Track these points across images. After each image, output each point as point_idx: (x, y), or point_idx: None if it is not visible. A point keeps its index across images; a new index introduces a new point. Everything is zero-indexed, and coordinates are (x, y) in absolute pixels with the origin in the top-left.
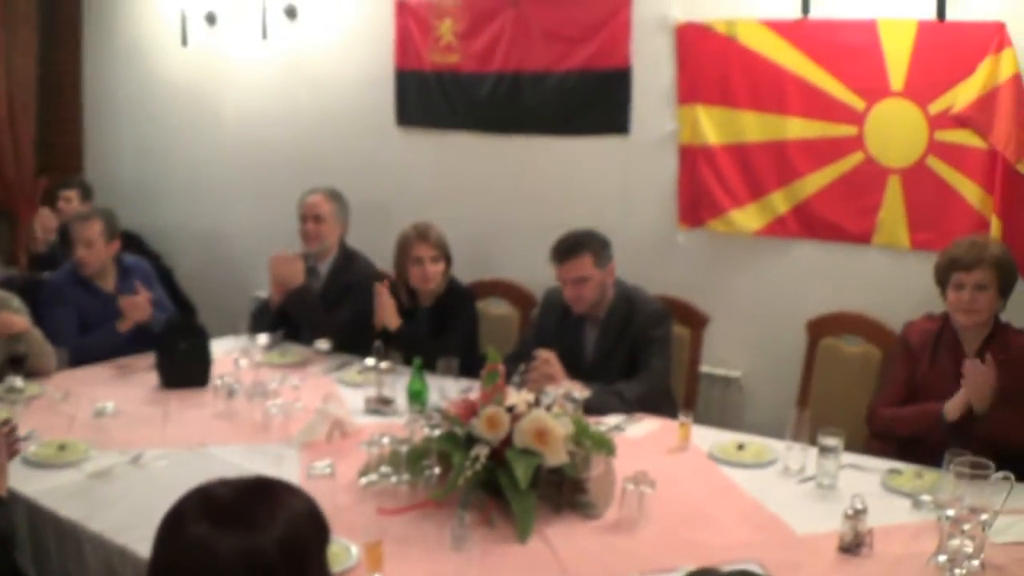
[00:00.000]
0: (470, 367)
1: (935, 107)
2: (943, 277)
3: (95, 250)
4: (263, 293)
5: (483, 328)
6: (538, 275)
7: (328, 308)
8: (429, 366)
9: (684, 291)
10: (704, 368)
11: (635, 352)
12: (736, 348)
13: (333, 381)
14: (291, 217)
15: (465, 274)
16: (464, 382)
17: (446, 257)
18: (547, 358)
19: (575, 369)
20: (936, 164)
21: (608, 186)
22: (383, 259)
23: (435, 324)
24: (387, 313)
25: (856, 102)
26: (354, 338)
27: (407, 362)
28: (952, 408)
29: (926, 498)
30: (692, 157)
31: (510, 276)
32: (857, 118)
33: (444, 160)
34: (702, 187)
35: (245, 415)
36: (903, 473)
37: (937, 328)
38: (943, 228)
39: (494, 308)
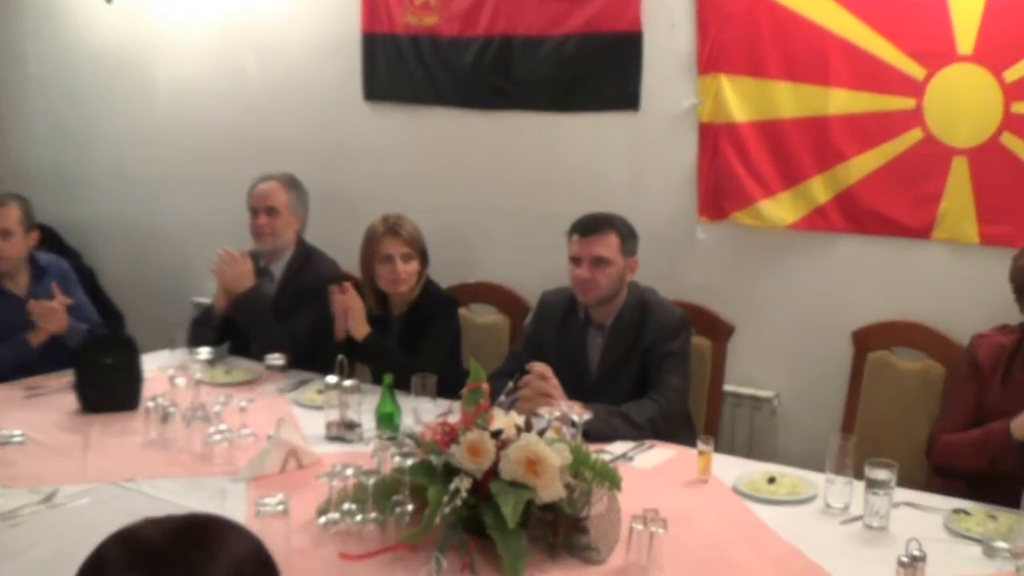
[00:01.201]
0: (450, 385)
1: (1012, 74)
2: (1022, 281)
3: (14, 242)
4: (205, 299)
5: (466, 340)
6: (531, 277)
7: (283, 316)
8: (402, 384)
9: (705, 296)
10: (729, 387)
11: (647, 367)
12: (767, 363)
13: (288, 402)
14: (239, 209)
15: (445, 276)
16: (443, 403)
17: (422, 255)
18: (541, 372)
19: (576, 387)
20: (1012, 142)
21: (615, 172)
22: (348, 258)
23: (409, 335)
24: (353, 320)
25: (914, 69)
26: (313, 351)
27: (376, 380)
28: (1021, 425)
29: (1001, 544)
30: (714, 137)
31: (498, 278)
32: (915, 88)
33: (420, 141)
34: (726, 173)
35: (182, 443)
36: (972, 514)
37: (1012, 342)
38: (1020, 220)
39: (479, 316)
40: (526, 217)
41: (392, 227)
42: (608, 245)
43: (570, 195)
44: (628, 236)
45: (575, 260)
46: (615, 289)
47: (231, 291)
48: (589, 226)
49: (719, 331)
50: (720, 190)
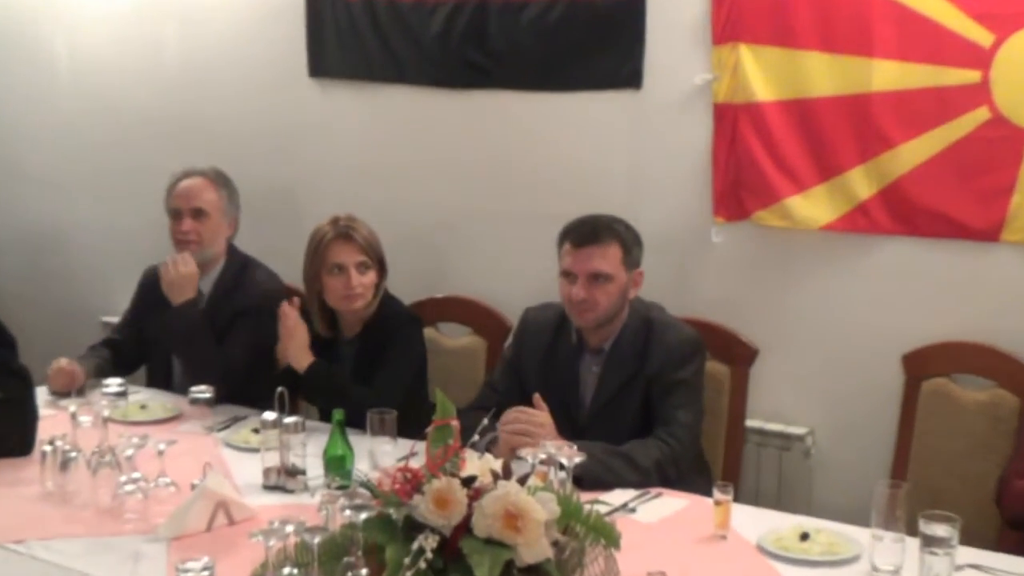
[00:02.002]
0: (413, 422)
1: None
2: None
3: None
4: (115, 318)
5: (434, 367)
6: (512, 291)
7: (212, 340)
8: (355, 422)
9: (722, 313)
10: (752, 422)
11: (652, 399)
12: (798, 393)
13: (217, 444)
14: (156, 212)
15: (408, 290)
16: (404, 444)
17: (379, 265)
18: (527, 410)
19: (566, 423)
20: None
21: (612, 164)
22: (291, 269)
23: (363, 362)
24: (295, 347)
25: (980, 35)
26: (249, 383)
27: (324, 416)
28: None
29: None
30: (733, 120)
31: (473, 292)
32: (981, 59)
33: (377, 127)
34: (747, 163)
35: (87, 496)
36: None
37: None
38: None
39: (449, 338)
40: (506, 219)
41: (344, 231)
42: (609, 258)
43: (559, 192)
44: (632, 245)
45: (567, 275)
46: (616, 309)
47: (172, 299)
48: (586, 234)
49: (739, 355)
50: (740, 184)
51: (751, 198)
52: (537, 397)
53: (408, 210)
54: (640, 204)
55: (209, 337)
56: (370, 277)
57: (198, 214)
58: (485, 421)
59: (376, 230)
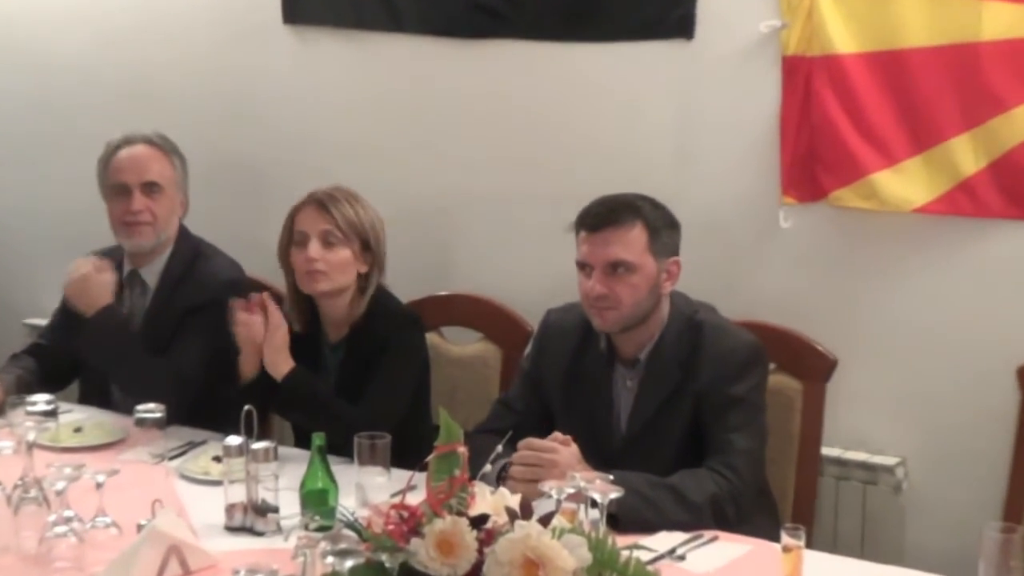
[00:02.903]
0: (411, 448)
1: None
2: None
3: None
4: (43, 320)
5: (437, 380)
6: (532, 288)
7: (160, 345)
8: (340, 447)
9: (791, 314)
10: (830, 450)
11: (702, 421)
12: (888, 414)
13: (169, 475)
14: (91, 191)
15: (405, 286)
16: (400, 475)
17: (361, 248)
18: (537, 442)
19: (598, 449)
20: None
21: (657, 131)
22: (257, 261)
23: (350, 372)
24: (271, 350)
25: None
26: (206, 398)
27: (301, 441)
28: None
29: None
30: (807, 77)
31: (485, 290)
32: None
33: (368, 87)
34: (824, 130)
35: (7, 539)
36: None
37: None
38: None
39: (456, 344)
40: (526, 201)
41: (320, 199)
42: (630, 242)
43: (590, 168)
44: (661, 226)
45: (583, 267)
46: (646, 307)
47: (83, 310)
48: (600, 216)
49: (813, 367)
50: (815, 157)
51: (828, 174)
52: (557, 436)
53: (405, 190)
54: (690, 182)
55: (134, 345)
56: (340, 255)
57: (151, 189)
58: (499, 448)
59: (367, 209)
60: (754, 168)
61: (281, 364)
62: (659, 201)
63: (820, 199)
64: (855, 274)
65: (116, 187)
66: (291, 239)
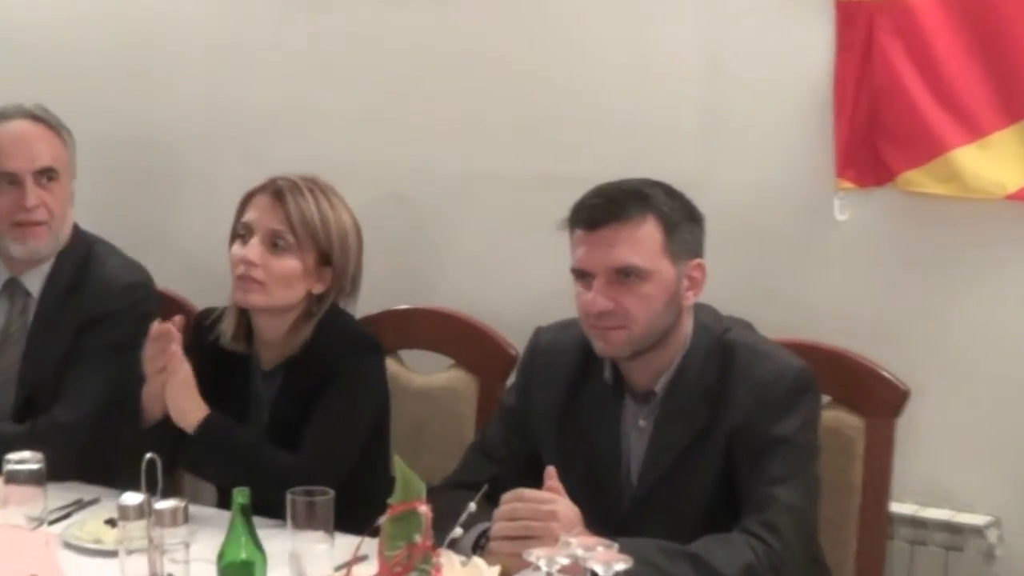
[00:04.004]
0: (360, 506)
1: None
2: None
3: None
4: None
5: (396, 418)
6: (518, 300)
7: (42, 374)
8: (269, 507)
9: (849, 331)
10: (902, 506)
11: (734, 469)
12: (977, 460)
13: (50, 543)
14: None
15: (368, 299)
16: (345, 542)
17: (321, 258)
18: (528, 493)
19: (604, 507)
20: None
21: (677, 96)
22: (169, 262)
23: (287, 408)
24: (178, 391)
25: None
26: (99, 443)
27: (224, 498)
28: None
29: None
30: (867, 26)
31: (456, 302)
32: None
33: (306, 39)
34: (890, 94)
35: None
36: None
37: None
38: None
39: (420, 374)
40: (507, 189)
41: (278, 190)
42: (641, 242)
43: (591, 145)
44: (680, 220)
45: (580, 275)
46: (663, 325)
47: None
48: (600, 209)
49: (879, 399)
50: (879, 129)
51: (896, 151)
52: (551, 472)
53: (353, 172)
54: (719, 162)
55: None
56: (284, 265)
57: (45, 177)
58: (472, 506)
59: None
60: (801, 144)
61: (190, 412)
62: (675, 188)
63: (886, 183)
64: (931, 279)
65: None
66: (234, 236)
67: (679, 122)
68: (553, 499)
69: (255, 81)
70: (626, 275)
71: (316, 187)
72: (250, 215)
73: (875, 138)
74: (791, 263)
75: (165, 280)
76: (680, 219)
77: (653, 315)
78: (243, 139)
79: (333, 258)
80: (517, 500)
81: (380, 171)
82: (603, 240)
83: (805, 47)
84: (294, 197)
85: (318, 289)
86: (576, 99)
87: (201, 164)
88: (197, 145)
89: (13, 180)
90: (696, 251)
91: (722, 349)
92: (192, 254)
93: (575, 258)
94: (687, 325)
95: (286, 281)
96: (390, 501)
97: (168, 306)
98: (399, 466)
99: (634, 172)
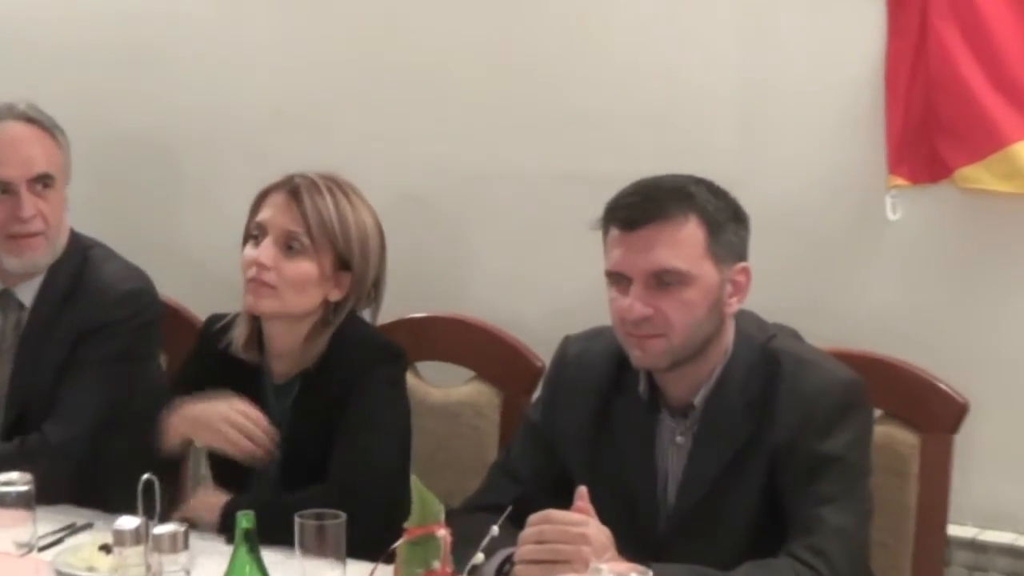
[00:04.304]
0: (378, 530)
1: None
2: None
3: None
4: None
5: (416, 436)
6: (544, 308)
7: (34, 392)
8: (274, 533)
9: (903, 341)
10: (960, 529)
11: (780, 489)
12: None
13: (41, 571)
14: None
15: (382, 307)
16: (357, 569)
17: (339, 262)
18: (557, 514)
19: (638, 531)
20: None
21: (716, 91)
22: (170, 268)
23: (304, 426)
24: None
25: None
26: (96, 465)
27: (224, 526)
28: None
29: None
30: (921, 9)
31: (478, 310)
32: None
33: (312, 35)
34: (947, 81)
35: None
36: None
37: None
38: None
39: (438, 387)
40: (531, 188)
41: (295, 188)
42: (681, 243)
43: (625, 138)
44: (725, 220)
45: (616, 279)
46: (704, 333)
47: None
48: (639, 208)
49: (936, 414)
50: (934, 121)
51: (953, 144)
52: (582, 491)
53: (366, 174)
54: (760, 158)
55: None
56: (299, 269)
57: (42, 184)
58: (494, 529)
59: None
60: (849, 138)
61: (210, 511)
62: (719, 185)
63: (942, 180)
64: (991, 283)
65: None
66: (247, 237)
67: (716, 116)
68: (584, 521)
69: (259, 78)
70: (666, 279)
71: (336, 185)
72: (264, 214)
73: (930, 131)
74: (839, 267)
75: (166, 287)
76: (725, 219)
77: (694, 323)
78: (247, 139)
79: (352, 262)
80: (545, 522)
81: (394, 171)
82: (642, 241)
83: (853, 33)
84: (311, 196)
85: (335, 296)
86: (604, 93)
87: (203, 165)
88: (199, 145)
89: (7, 189)
90: (741, 254)
91: (766, 359)
92: (195, 260)
93: (610, 260)
94: (729, 333)
95: (300, 286)
96: (406, 525)
97: (170, 315)
98: (416, 487)
99: (667, 170)
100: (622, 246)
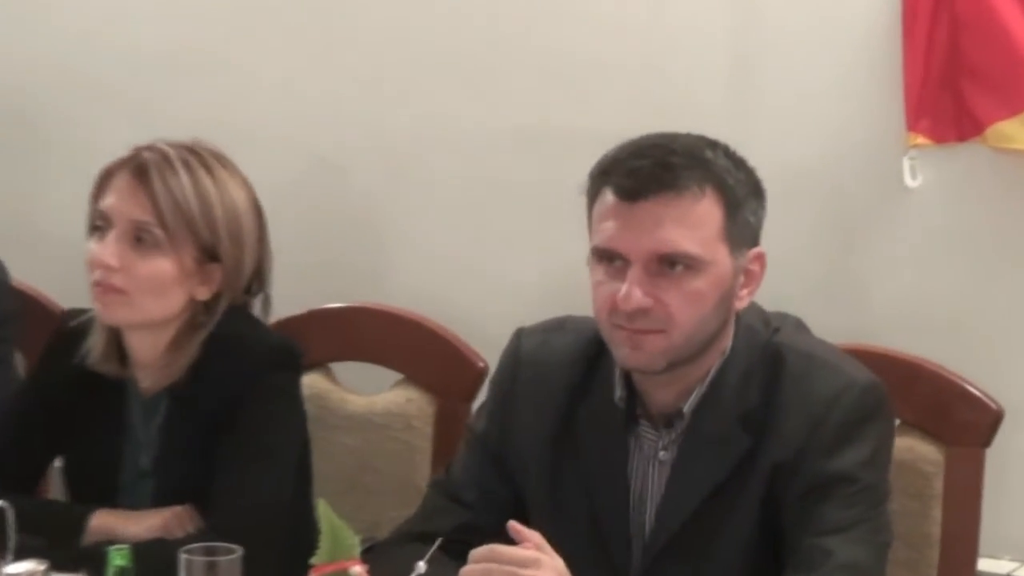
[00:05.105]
0: (281, 560)
1: None
2: None
3: None
4: None
5: (324, 452)
6: (493, 299)
7: None
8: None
9: (924, 333)
10: (993, 564)
11: (782, 515)
12: None
13: None
14: None
15: (290, 297)
16: None
17: (205, 253)
18: (503, 549)
19: (610, 563)
20: None
21: (706, 37)
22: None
23: (176, 449)
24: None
25: None
26: None
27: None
28: None
29: None
30: None
31: (409, 300)
32: None
33: None
34: (977, 22)
35: None
36: None
37: None
38: None
39: (358, 394)
40: (483, 151)
41: (142, 165)
42: (696, 222)
43: (594, 94)
44: (745, 196)
45: (608, 258)
46: (709, 332)
47: None
48: (648, 174)
49: (964, 423)
50: (962, 68)
51: (985, 96)
52: (514, 526)
53: (277, 136)
54: (755, 116)
55: None
56: (153, 267)
57: None
58: (420, 566)
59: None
60: (859, 90)
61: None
62: (734, 150)
63: (971, 138)
64: None
65: None
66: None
67: (703, 63)
68: (535, 560)
69: (145, 20)
70: (673, 264)
71: (194, 157)
72: (107, 201)
73: (957, 80)
74: (848, 245)
75: (24, 274)
76: (744, 194)
77: (700, 318)
78: (128, 92)
79: (221, 252)
80: (489, 560)
81: (308, 133)
82: (648, 216)
83: None
84: (162, 175)
85: (203, 294)
86: (567, 33)
87: (73, 123)
88: (67, 98)
89: None
90: (756, 237)
91: (769, 358)
92: (61, 241)
93: (602, 235)
94: (730, 329)
95: (157, 288)
96: (313, 561)
97: (30, 308)
98: (325, 515)
99: (643, 127)
100: (620, 219)
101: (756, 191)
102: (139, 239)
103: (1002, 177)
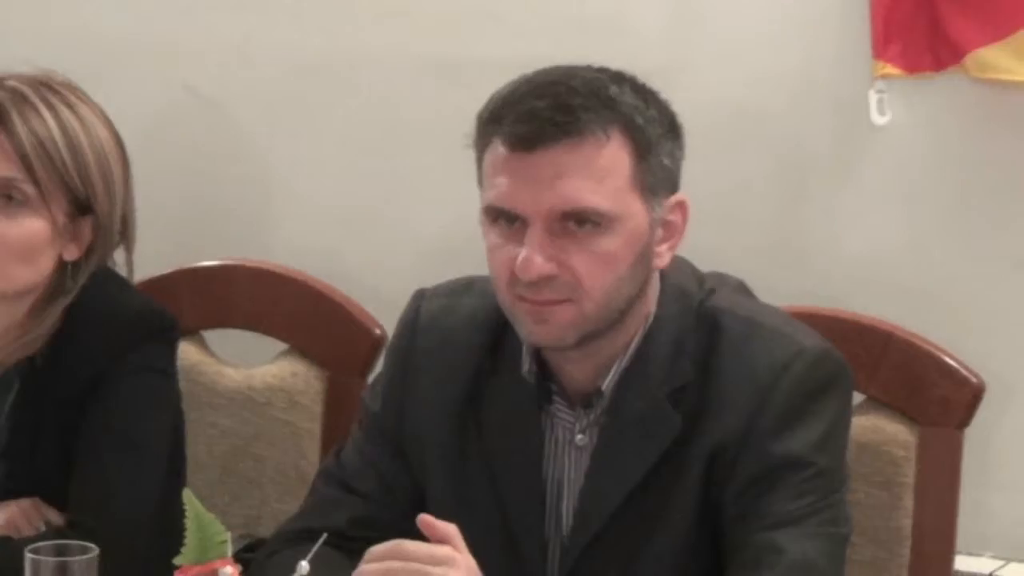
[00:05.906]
0: (145, 559)
1: None
2: None
3: None
4: None
5: (198, 433)
6: (388, 257)
7: None
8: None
9: (892, 296)
10: (974, 562)
11: (720, 507)
12: None
13: None
14: None
15: (153, 256)
16: None
17: (76, 206)
18: (409, 544)
19: (521, 563)
20: None
21: None
22: None
23: (30, 434)
24: None
25: None
26: None
27: None
28: None
29: None
30: None
31: (299, 259)
32: None
33: None
34: None
35: None
36: None
37: None
38: None
39: (237, 365)
40: (376, 82)
41: None
42: (600, 171)
43: (505, 17)
44: (656, 137)
45: (503, 219)
46: (625, 297)
47: None
48: (543, 119)
49: (939, 400)
50: None
51: (965, 19)
52: (426, 519)
53: (131, 56)
54: (692, 37)
55: None
56: (23, 228)
57: None
58: (303, 565)
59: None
60: (816, 11)
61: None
62: (644, 82)
63: (949, 67)
64: (1018, 214)
65: None
66: None
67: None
68: (449, 558)
69: None
70: (579, 222)
71: (52, 92)
72: None
73: (931, 2)
74: (801, 194)
75: None
76: (657, 135)
77: (614, 282)
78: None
79: (96, 202)
80: (393, 557)
81: (174, 59)
82: (545, 167)
83: None
84: (23, 117)
85: (73, 254)
86: None
87: None
88: None
89: None
90: (675, 182)
91: (703, 324)
92: None
93: (493, 192)
94: (653, 291)
95: (28, 253)
96: (177, 561)
97: None
98: (191, 507)
99: (565, 57)
100: (513, 174)
101: (672, 128)
102: (9, 197)
103: (984, 112)
